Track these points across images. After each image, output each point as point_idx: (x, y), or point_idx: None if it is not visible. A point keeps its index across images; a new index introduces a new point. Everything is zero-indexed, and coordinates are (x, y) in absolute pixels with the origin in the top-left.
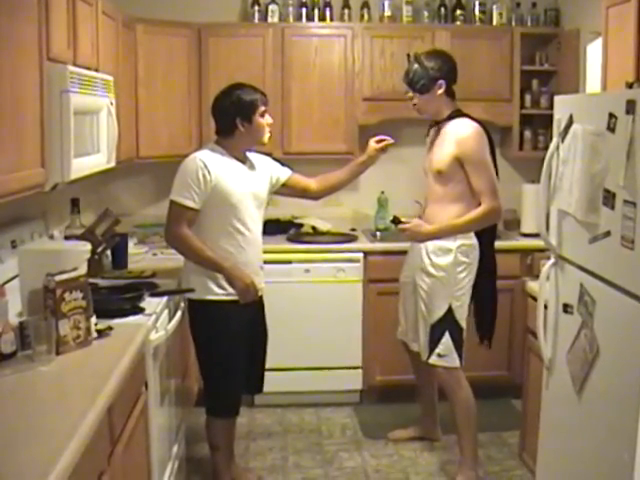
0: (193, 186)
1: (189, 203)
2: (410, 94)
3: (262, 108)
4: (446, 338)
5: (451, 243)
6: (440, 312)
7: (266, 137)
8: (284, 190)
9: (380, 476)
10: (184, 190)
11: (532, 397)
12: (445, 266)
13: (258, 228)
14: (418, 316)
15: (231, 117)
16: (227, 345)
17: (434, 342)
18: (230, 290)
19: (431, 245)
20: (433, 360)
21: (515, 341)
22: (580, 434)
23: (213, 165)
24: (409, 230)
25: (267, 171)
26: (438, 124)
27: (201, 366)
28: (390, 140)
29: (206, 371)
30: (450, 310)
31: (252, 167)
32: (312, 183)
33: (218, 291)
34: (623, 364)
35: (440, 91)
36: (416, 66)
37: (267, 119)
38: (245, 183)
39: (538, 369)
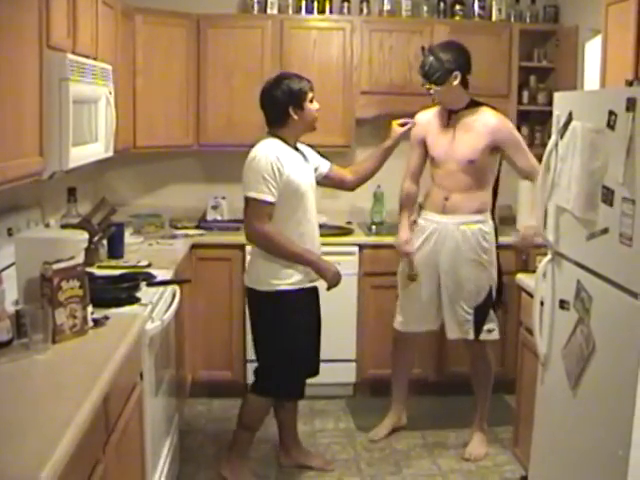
0: (270, 180)
1: (269, 198)
2: (427, 85)
3: (310, 94)
4: (491, 315)
5: (488, 226)
6: (485, 293)
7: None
8: (324, 181)
9: (373, 469)
10: (262, 185)
11: (525, 393)
12: (489, 249)
13: (316, 216)
14: (453, 299)
15: (284, 106)
16: (302, 332)
17: (481, 321)
18: (299, 279)
19: (469, 233)
20: (484, 337)
21: (509, 337)
22: (575, 430)
23: (283, 157)
24: (529, 240)
25: (313, 161)
26: (453, 113)
27: (265, 353)
28: (413, 122)
29: (273, 358)
30: (491, 289)
31: (304, 157)
32: (348, 174)
33: (290, 280)
34: (619, 360)
35: (455, 82)
36: (431, 59)
37: (315, 104)
38: (305, 173)
39: (532, 364)
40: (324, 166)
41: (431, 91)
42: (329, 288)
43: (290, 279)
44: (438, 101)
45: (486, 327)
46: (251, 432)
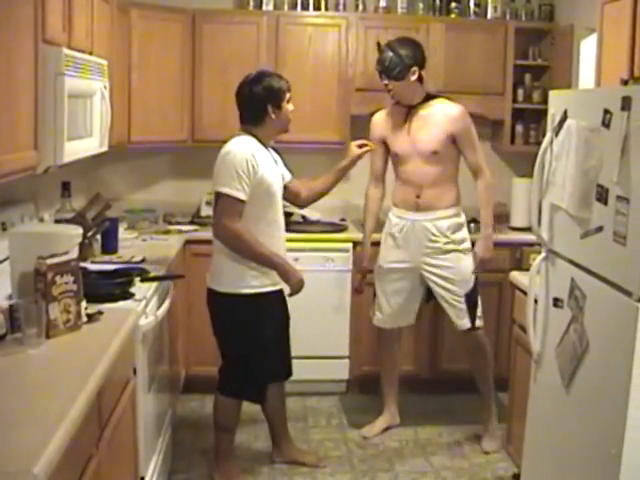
0: (244, 177)
1: (241, 195)
2: (386, 81)
3: (288, 95)
4: (479, 301)
5: (461, 219)
6: (472, 280)
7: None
8: (282, 191)
9: (366, 466)
10: (234, 182)
11: (518, 390)
12: (465, 238)
13: (282, 218)
14: (445, 293)
15: (262, 104)
16: (267, 334)
17: (472, 308)
18: (264, 282)
19: (443, 225)
20: (478, 324)
21: (502, 334)
22: (567, 428)
23: (258, 155)
24: (485, 261)
25: (280, 166)
26: (412, 108)
27: (231, 354)
28: (372, 146)
29: (233, 360)
30: (477, 276)
31: (274, 158)
32: (302, 191)
33: (254, 283)
34: (612, 359)
35: (414, 77)
36: (391, 54)
37: (291, 106)
38: (276, 173)
39: (525, 362)
40: (286, 175)
41: (390, 87)
42: (291, 294)
43: (255, 282)
44: (397, 97)
45: (478, 313)
46: (229, 432)
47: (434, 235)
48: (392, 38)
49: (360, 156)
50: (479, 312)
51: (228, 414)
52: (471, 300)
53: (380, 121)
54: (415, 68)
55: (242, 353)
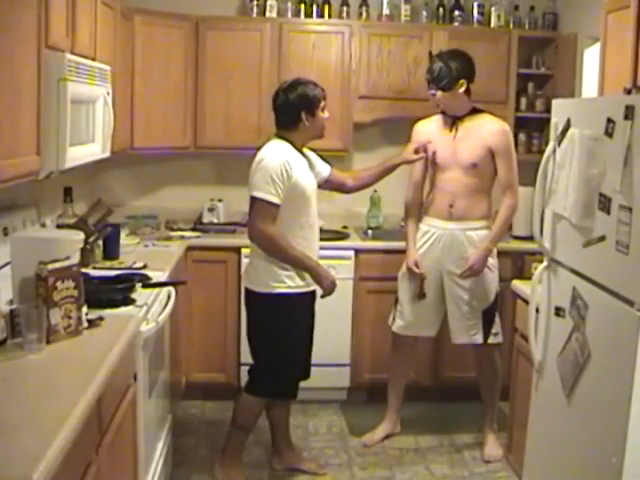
0: (278, 182)
1: (275, 200)
2: (433, 91)
3: (323, 103)
4: (497, 318)
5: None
6: (492, 297)
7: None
8: (325, 185)
9: (366, 474)
10: (269, 186)
11: (520, 399)
12: (494, 254)
13: (317, 222)
14: (461, 304)
15: (296, 111)
16: (299, 334)
17: (488, 324)
18: (298, 283)
19: (474, 237)
20: (491, 340)
21: (503, 343)
22: (569, 437)
23: (292, 161)
24: (474, 270)
25: (314, 165)
26: (457, 119)
27: (261, 353)
28: (424, 155)
29: (269, 358)
30: (497, 293)
31: (309, 162)
32: (348, 179)
33: (290, 283)
34: (614, 368)
35: (461, 90)
36: (440, 65)
37: (326, 113)
38: (310, 178)
39: (526, 371)
40: (325, 170)
41: (437, 96)
42: (324, 296)
43: (290, 282)
44: (442, 106)
45: (493, 330)
46: (244, 433)
47: (464, 246)
48: (444, 49)
49: (413, 161)
50: (494, 329)
51: (250, 414)
52: (488, 316)
53: (423, 129)
54: (463, 81)
55: (276, 351)
